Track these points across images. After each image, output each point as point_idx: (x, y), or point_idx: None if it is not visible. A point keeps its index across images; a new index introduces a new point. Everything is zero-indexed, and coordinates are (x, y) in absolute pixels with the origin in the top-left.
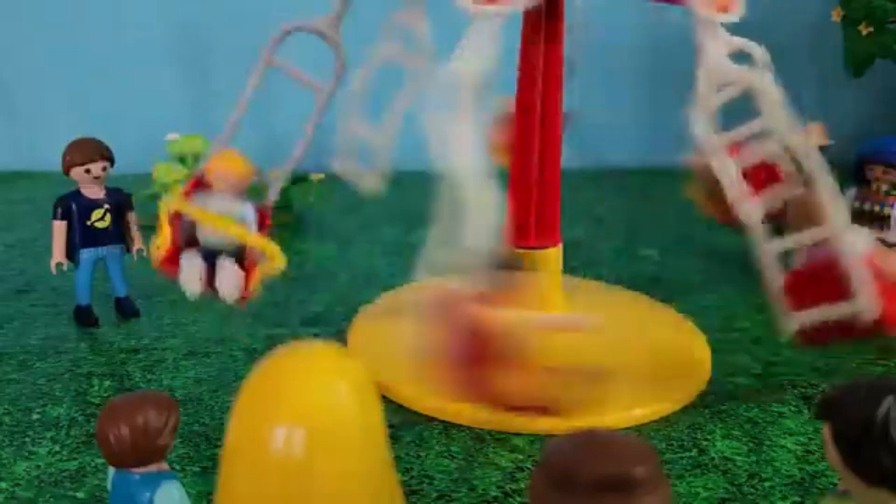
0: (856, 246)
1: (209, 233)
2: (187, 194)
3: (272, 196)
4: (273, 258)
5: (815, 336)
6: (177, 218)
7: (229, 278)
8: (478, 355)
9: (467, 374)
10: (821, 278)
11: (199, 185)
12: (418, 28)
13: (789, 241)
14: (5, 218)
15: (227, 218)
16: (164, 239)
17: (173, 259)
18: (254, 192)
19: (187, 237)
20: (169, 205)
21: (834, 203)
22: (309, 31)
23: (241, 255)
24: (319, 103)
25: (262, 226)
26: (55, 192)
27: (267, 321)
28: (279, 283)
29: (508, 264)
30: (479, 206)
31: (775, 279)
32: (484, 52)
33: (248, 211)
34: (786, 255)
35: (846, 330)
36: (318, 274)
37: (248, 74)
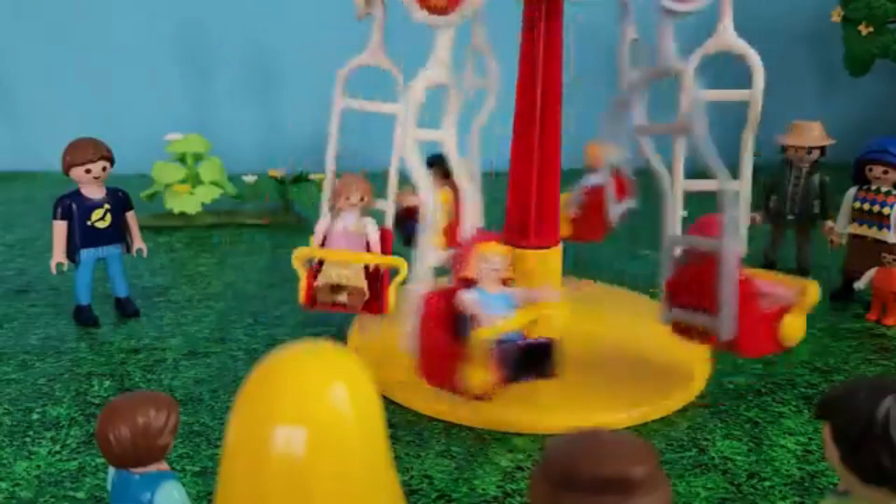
0: (734, 262)
1: (337, 267)
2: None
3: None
4: (400, 272)
5: (685, 334)
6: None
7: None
8: (443, 345)
9: (436, 365)
10: (701, 282)
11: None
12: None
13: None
14: (5, 218)
15: (349, 252)
16: (302, 284)
17: (313, 299)
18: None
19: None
20: (300, 252)
21: (730, 214)
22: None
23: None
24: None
25: (385, 244)
26: (55, 192)
27: (267, 321)
28: (279, 282)
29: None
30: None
31: (665, 272)
32: (439, 63)
33: (373, 230)
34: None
35: (707, 339)
36: None
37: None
